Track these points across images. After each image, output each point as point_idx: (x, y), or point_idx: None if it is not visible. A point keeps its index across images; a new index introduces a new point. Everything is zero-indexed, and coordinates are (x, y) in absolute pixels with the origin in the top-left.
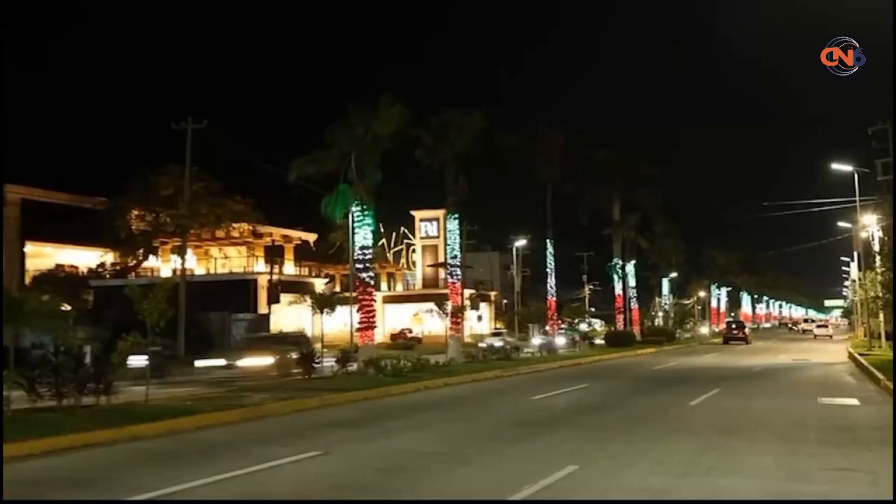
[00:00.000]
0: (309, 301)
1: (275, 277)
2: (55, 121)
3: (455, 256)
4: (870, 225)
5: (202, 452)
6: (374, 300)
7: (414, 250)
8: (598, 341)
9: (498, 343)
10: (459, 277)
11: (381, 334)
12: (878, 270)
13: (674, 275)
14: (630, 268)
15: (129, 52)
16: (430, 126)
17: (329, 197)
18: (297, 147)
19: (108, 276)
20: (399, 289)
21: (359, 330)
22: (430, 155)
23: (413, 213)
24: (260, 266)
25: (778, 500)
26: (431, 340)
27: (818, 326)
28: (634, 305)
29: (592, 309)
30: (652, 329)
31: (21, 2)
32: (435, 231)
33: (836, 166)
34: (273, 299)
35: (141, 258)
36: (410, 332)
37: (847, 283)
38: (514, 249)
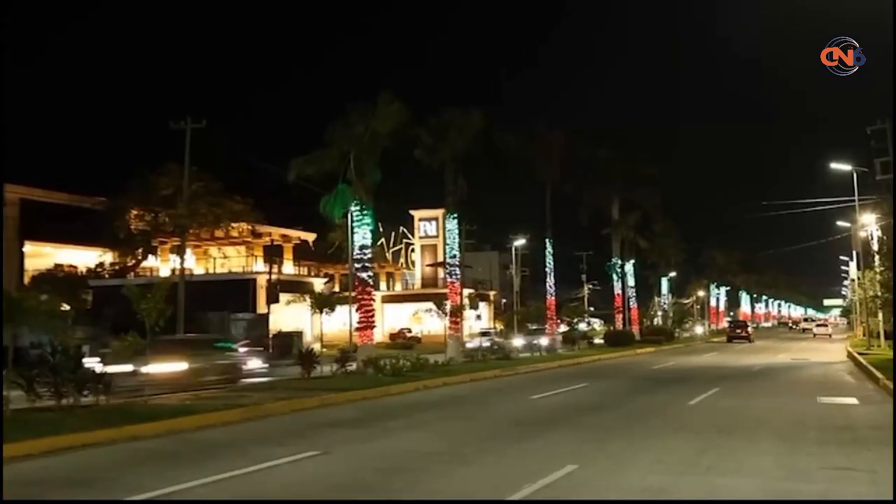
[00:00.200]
0: (308, 300)
1: (274, 277)
2: (55, 120)
3: (454, 256)
4: (869, 224)
5: (201, 452)
6: (373, 300)
7: (413, 250)
8: (598, 340)
9: (485, 343)
10: (458, 277)
11: (380, 334)
12: (877, 270)
13: (673, 274)
14: (629, 267)
15: (129, 52)
16: (430, 125)
17: (328, 196)
18: (297, 147)
19: (106, 275)
20: (398, 288)
21: (358, 329)
22: (429, 154)
23: (412, 212)
24: (259, 266)
25: (778, 500)
26: (430, 340)
27: (818, 325)
28: (633, 305)
29: (592, 308)
30: (651, 328)
31: (21, 2)
32: (434, 230)
33: (835, 166)
34: (272, 299)
35: (140, 258)
36: (409, 331)
37: (846, 282)
38: (514, 249)
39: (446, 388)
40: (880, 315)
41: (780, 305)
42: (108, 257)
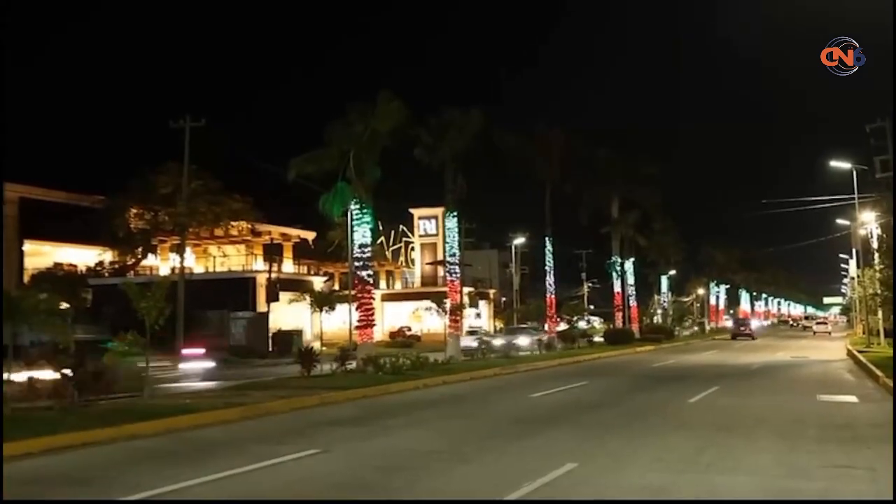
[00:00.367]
0: (308, 299)
1: (273, 276)
2: (54, 119)
3: (454, 254)
4: (868, 222)
5: (201, 451)
6: (373, 298)
7: (413, 248)
8: (597, 339)
9: (473, 343)
10: (458, 275)
11: (379, 332)
12: (877, 268)
13: (672, 272)
14: (629, 265)
15: (129, 52)
16: (430, 125)
17: (327, 195)
18: (297, 147)
19: (106, 274)
20: (398, 287)
21: (357, 328)
22: (429, 153)
23: (412, 210)
24: (259, 264)
25: (777, 500)
26: (430, 338)
27: (817, 323)
28: (633, 303)
29: (591, 306)
30: (651, 327)
31: (21, 2)
32: (434, 229)
33: (834, 164)
34: (272, 297)
35: (139, 257)
36: (409, 330)
37: (846, 280)
38: (513, 247)
39: (446, 387)
40: (880, 313)
41: (779, 303)
42: (107, 256)
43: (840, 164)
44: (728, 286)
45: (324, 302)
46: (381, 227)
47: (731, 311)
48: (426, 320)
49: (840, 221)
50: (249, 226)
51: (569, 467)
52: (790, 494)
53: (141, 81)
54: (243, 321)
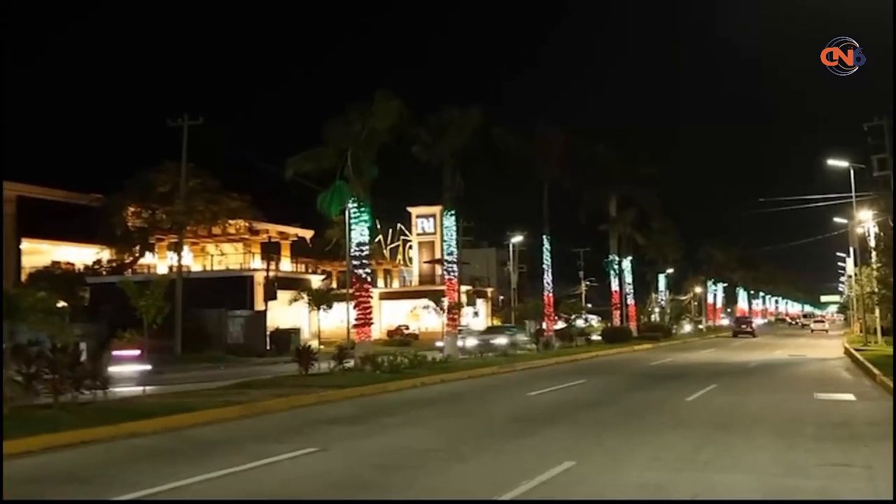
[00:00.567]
0: (305, 297)
1: (271, 274)
2: (53, 118)
3: (452, 253)
4: (866, 221)
5: (199, 449)
6: (371, 297)
7: (410, 246)
8: (595, 337)
9: (459, 343)
10: (456, 274)
11: (377, 331)
12: (874, 266)
13: (670, 271)
14: (627, 264)
15: (129, 52)
16: (429, 124)
17: (325, 193)
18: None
19: (104, 272)
20: (396, 285)
21: (355, 326)
22: (427, 151)
23: (410, 209)
24: (256, 263)
25: (776, 499)
26: (428, 337)
27: (815, 321)
28: (631, 301)
29: (589, 305)
30: (648, 325)
31: (21, 2)
32: (431, 227)
33: (832, 162)
34: (270, 296)
35: (137, 255)
36: (407, 328)
37: (843, 278)
38: (511, 246)
39: (444, 385)
40: (877, 311)
41: (777, 302)
42: (105, 255)
43: (838, 163)
44: (726, 285)
45: (321, 300)
46: (378, 226)
47: (729, 310)
48: (424, 319)
49: (837, 220)
50: (247, 224)
51: (566, 466)
52: (788, 493)
53: (141, 81)
54: (241, 320)
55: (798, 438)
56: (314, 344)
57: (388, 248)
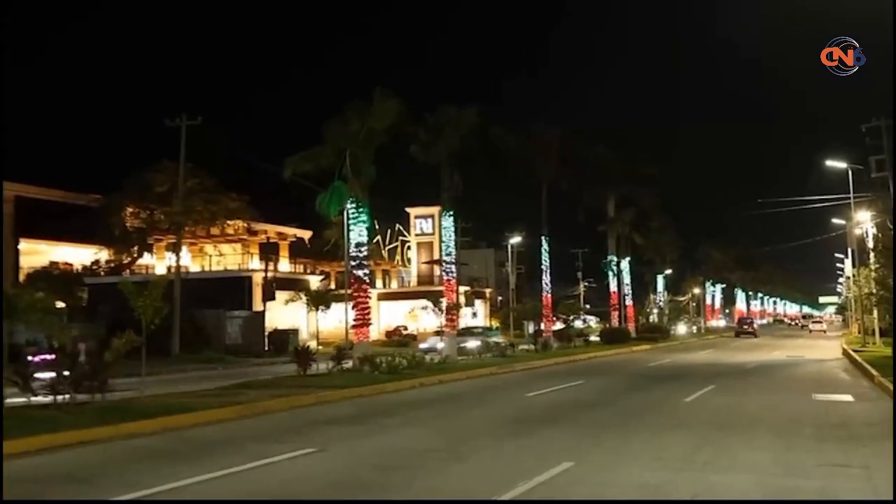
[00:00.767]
0: (304, 298)
1: (270, 274)
2: (52, 118)
3: (450, 253)
4: (864, 222)
5: (198, 450)
6: (369, 297)
7: (409, 247)
8: (594, 338)
9: (440, 344)
10: (454, 274)
11: (376, 331)
12: (873, 267)
13: (669, 271)
14: (625, 264)
15: (128, 53)
16: (427, 123)
17: (324, 194)
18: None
19: (102, 273)
20: (394, 286)
21: (354, 327)
22: (425, 151)
23: (408, 209)
24: (255, 263)
25: (775, 499)
26: (426, 337)
27: (813, 322)
28: (629, 302)
29: (588, 305)
30: (647, 326)
31: (21, 2)
32: (430, 228)
33: (830, 163)
34: (268, 296)
35: (136, 255)
36: (405, 329)
37: (841, 279)
38: (510, 246)
39: (442, 386)
40: (875, 312)
41: (775, 303)
42: (103, 255)
43: (836, 164)
44: (724, 285)
45: (320, 301)
46: (377, 226)
47: (727, 311)
48: (422, 319)
49: (836, 221)
50: (246, 225)
51: (565, 466)
52: (787, 493)
53: (140, 81)
54: (239, 320)
55: (797, 439)
56: (312, 344)
57: (387, 248)
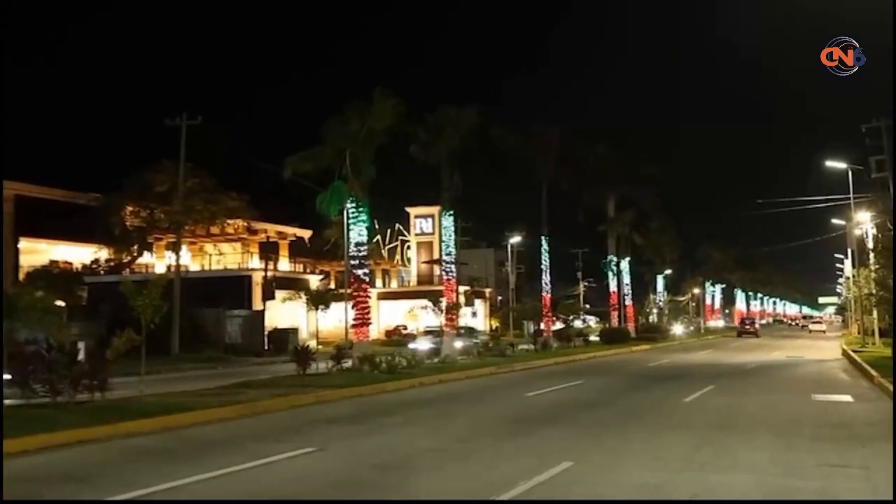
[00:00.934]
0: (304, 297)
1: (269, 274)
2: (52, 117)
3: (450, 253)
4: (864, 222)
5: (198, 449)
6: (369, 297)
7: (409, 247)
8: (593, 338)
9: (429, 345)
10: (454, 274)
11: (375, 331)
12: (872, 268)
13: (668, 272)
14: (625, 264)
15: (128, 52)
16: (427, 123)
17: (324, 194)
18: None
19: (102, 272)
20: (394, 285)
21: (353, 326)
22: (425, 151)
23: (408, 209)
24: (255, 262)
25: (775, 500)
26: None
27: (813, 322)
28: (629, 302)
29: (587, 305)
30: (646, 326)
31: (21, 2)
32: (430, 227)
33: (830, 164)
34: (268, 296)
35: (135, 254)
36: (405, 328)
37: (841, 280)
38: (509, 246)
39: (442, 386)
40: (875, 313)
41: (775, 303)
42: (103, 254)
43: (836, 164)
44: (724, 285)
45: (320, 300)
46: (377, 226)
47: (727, 311)
48: (422, 319)
49: (836, 221)
50: (245, 224)
51: (565, 466)
52: (787, 493)
53: (139, 80)
54: (239, 319)
55: (796, 439)
56: (312, 344)
57: (387, 248)
